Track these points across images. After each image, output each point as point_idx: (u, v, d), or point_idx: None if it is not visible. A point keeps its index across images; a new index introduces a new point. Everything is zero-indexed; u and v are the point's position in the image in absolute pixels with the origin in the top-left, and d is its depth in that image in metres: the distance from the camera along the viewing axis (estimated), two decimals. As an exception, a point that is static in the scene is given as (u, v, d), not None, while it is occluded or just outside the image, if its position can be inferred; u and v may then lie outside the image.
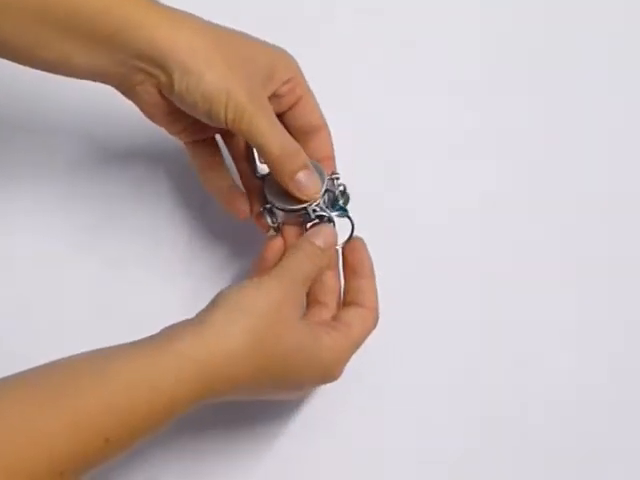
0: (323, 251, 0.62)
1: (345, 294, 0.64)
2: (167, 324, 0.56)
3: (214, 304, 0.57)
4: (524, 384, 0.69)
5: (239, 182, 0.69)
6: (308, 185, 0.63)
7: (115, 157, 0.74)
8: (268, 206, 0.65)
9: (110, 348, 0.54)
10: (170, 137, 0.66)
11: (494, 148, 0.76)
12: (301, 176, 0.62)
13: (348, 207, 0.67)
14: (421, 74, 0.78)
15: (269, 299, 0.57)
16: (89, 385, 0.51)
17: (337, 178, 0.67)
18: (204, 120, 0.61)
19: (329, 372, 0.61)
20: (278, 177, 0.63)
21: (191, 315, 0.57)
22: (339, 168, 0.68)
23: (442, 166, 0.76)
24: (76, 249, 0.71)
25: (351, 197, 0.67)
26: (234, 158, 0.68)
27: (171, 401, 0.52)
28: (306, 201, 0.63)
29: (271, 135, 0.61)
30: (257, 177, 0.67)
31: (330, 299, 0.64)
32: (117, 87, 0.62)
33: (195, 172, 0.68)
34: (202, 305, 0.57)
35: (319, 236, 0.62)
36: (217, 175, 0.67)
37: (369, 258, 0.64)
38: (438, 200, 0.75)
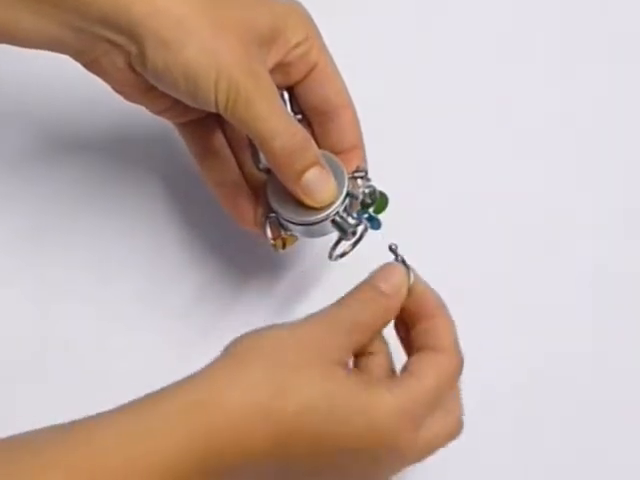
0: (388, 298, 0.51)
1: (409, 344, 0.53)
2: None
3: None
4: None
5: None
6: (319, 189, 0.54)
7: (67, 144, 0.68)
8: (272, 215, 0.56)
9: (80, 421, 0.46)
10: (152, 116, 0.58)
11: (555, 137, 0.69)
12: (310, 177, 0.53)
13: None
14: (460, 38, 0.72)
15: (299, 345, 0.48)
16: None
17: (364, 176, 0.56)
18: (188, 103, 0.54)
19: (396, 444, 0.49)
20: (282, 179, 0.54)
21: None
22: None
23: (488, 158, 0.69)
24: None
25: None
26: (231, 145, 0.59)
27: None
28: (319, 209, 0.54)
29: (271, 122, 0.52)
30: (260, 170, 0.57)
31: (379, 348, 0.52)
32: (76, 58, 0.55)
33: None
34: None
35: (385, 279, 0.51)
36: (217, 165, 0.59)
37: (430, 291, 0.53)
38: (482, 202, 0.68)
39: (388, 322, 0.51)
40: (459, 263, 0.65)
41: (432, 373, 0.49)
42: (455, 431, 0.51)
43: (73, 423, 0.46)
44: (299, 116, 0.57)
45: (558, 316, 0.65)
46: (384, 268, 0.51)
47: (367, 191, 0.56)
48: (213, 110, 0.53)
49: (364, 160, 0.58)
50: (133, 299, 0.64)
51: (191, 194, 0.66)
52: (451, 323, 0.52)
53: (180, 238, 0.66)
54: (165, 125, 0.60)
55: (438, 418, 0.50)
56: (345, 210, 0.54)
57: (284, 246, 0.56)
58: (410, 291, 0.51)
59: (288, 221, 0.55)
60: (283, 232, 0.56)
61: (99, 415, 0.46)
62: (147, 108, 0.57)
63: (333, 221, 0.54)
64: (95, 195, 0.66)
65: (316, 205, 0.54)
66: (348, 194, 0.55)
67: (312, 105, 0.57)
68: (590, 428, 0.63)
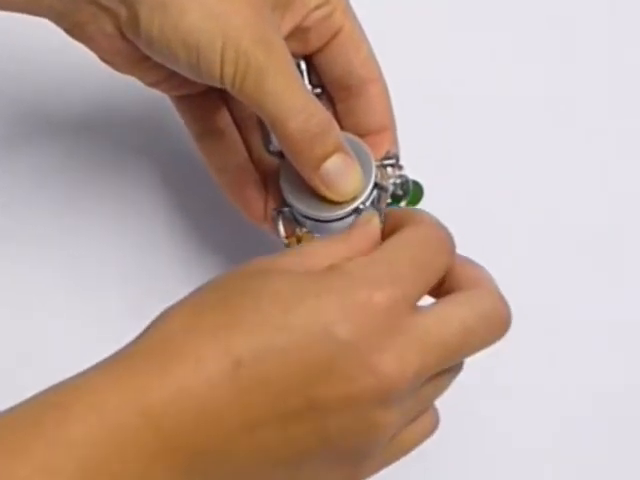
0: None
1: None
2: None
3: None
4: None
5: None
6: (342, 179, 0.50)
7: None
8: (286, 209, 0.52)
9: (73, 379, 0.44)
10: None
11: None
12: (331, 165, 0.50)
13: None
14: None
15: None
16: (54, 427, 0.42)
17: (395, 164, 0.53)
18: (189, 76, 0.51)
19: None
20: (298, 167, 0.51)
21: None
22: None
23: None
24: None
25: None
26: (237, 124, 0.57)
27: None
28: (341, 203, 0.51)
29: (286, 99, 0.49)
30: (271, 154, 0.54)
31: None
32: (57, 22, 0.53)
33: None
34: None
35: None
36: (221, 148, 0.56)
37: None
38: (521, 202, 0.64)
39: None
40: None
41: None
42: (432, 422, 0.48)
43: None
44: (318, 90, 0.54)
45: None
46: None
47: (398, 182, 0.53)
48: (218, 85, 0.50)
49: (395, 144, 0.54)
50: (121, 308, 0.61)
51: (190, 182, 0.64)
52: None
53: (177, 234, 0.64)
54: (160, 99, 0.58)
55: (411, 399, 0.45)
56: (372, 204, 0.51)
57: (299, 244, 0.53)
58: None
59: (305, 216, 0.51)
60: (298, 229, 0.52)
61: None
62: (139, 79, 0.55)
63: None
64: (78, 184, 0.64)
65: (338, 199, 0.50)
66: (376, 185, 0.51)
67: (334, 77, 0.54)
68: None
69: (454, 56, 0.68)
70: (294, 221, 0.52)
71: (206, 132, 0.56)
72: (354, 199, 0.50)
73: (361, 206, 0.50)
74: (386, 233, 0.48)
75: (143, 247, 0.63)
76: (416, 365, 0.43)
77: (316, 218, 0.51)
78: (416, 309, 0.44)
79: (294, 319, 0.42)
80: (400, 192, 0.52)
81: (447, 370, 0.45)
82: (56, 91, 0.66)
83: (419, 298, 0.44)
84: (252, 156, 0.56)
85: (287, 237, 0.52)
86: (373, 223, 0.47)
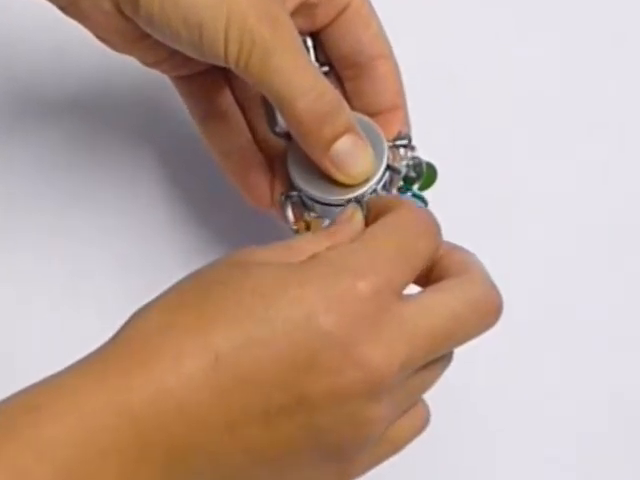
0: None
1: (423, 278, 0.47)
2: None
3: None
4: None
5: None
6: (353, 161, 0.49)
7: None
8: (294, 193, 0.51)
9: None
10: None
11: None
12: (342, 147, 0.49)
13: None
14: None
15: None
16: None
17: (407, 144, 0.52)
18: (191, 55, 0.50)
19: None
20: (306, 149, 0.49)
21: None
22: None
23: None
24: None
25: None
26: (241, 105, 0.55)
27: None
28: (354, 187, 0.49)
29: (294, 78, 0.48)
30: (277, 135, 0.53)
31: None
32: (51, 0, 0.51)
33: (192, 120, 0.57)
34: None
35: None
36: (224, 130, 0.55)
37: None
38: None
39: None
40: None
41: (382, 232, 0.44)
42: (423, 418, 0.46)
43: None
44: (325, 68, 0.53)
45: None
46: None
47: (411, 163, 0.51)
48: (222, 64, 0.49)
49: (407, 124, 0.53)
50: (119, 295, 0.61)
51: (191, 166, 0.63)
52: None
53: (178, 220, 0.63)
54: (159, 79, 0.57)
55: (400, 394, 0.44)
56: (384, 187, 0.50)
57: (308, 229, 0.52)
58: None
59: (314, 200, 0.50)
60: (306, 214, 0.51)
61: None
62: (138, 59, 0.53)
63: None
64: (74, 167, 0.63)
65: (349, 181, 0.49)
66: (388, 167, 0.50)
67: (342, 55, 0.53)
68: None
69: (459, 37, 0.67)
70: (302, 206, 0.51)
71: (208, 114, 0.55)
72: (366, 181, 0.49)
73: (374, 188, 0.49)
74: (369, 221, 0.47)
75: (142, 233, 0.62)
76: (404, 355, 0.41)
77: (326, 202, 0.49)
78: (402, 297, 0.42)
79: (276, 311, 0.41)
80: (413, 174, 0.51)
81: (437, 360, 0.44)
82: (51, 71, 0.65)
83: (405, 285, 0.43)
84: (256, 138, 0.55)
85: (295, 222, 0.51)
86: (357, 218, 0.47)
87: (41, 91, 0.65)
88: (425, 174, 0.52)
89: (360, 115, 0.51)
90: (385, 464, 0.47)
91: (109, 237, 0.62)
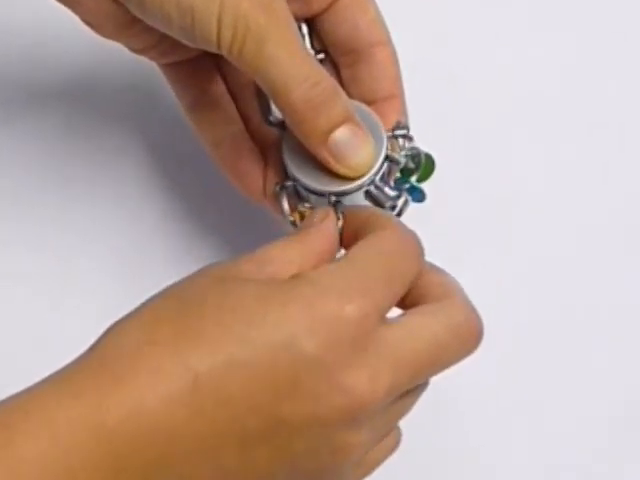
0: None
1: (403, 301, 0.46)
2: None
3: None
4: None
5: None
6: (353, 152, 0.48)
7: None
8: (289, 183, 0.49)
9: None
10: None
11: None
12: (340, 137, 0.47)
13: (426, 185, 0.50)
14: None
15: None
16: None
17: (405, 135, 0.50)
18: (183, 41, 0.49)
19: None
20: (303, 139, 0.48)
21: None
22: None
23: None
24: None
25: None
26: (233, 93, 0.54)
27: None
28: (351, 178, 0.48)
29: (289, 66, 0.47)
30: (271, 125, 0.52)
31: None
32: None
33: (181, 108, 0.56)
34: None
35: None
36: (215, 119, 0.54)
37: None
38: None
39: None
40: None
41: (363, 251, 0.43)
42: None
43: None
44: (321, 55, 0.52)
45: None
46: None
47: (410, 154, 0.50)
48: (214, 50, 0.48)
49: (404, 113, 0.52)
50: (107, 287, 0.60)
51: (181, 156, 0.62)
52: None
53: (167, 213, 0.62)
54: (147, 66, 0.56)
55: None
56: (382, 178, 0.48)
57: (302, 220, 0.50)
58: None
59: (309, 191, 0.48)
60: (301, 204, 0.50)
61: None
62: (125, 46, 0.52)
63: (367, 192, 0.48)
64: (57, 162, 0.62)
65: (349, 173, 0.48)
66: (387, 158, 0.48)
67: (338, 41, 0.52)
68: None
69: (459, 36, 0.66)
70: (297, 196, 0.49)
71: (198, 102, 0.54)
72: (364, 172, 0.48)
73: (372, 179, 0.47)
74: (347, 235, 0.46)
75: (133, 225, 0.61)
76: (388, 383, 0.41)
77: (322, 192, 0.48)
78: (385, 321, 0.41)
79: (257, 332, 0.39)
80: (412, 165, 0.49)
81: (415, 387, 0.43)
82: (40, 57, 0.63)
83: (389, 309, 0.42)
84: (249, 127, 0.54)
85: (291, 213, 0.50)
86: (329, 221, 0.46)
87: (27, 78, 0.63)
88: (423, 165, 0.50)
89: (358, 103, 0.50)
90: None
91: (104, 230, 0.61)
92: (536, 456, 0.58)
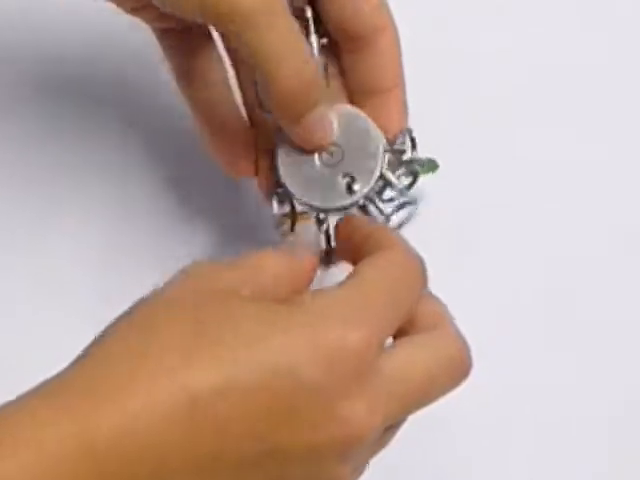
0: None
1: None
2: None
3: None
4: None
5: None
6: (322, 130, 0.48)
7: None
8: (280, 190, 0.49)
9: None
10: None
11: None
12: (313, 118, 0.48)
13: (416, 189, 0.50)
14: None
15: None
16: None
17: (404, 151, 0.49)
18: (173, 12, 0.47)
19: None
20: (281, 121, 0.48)
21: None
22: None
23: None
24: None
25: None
26: (235, 66, 0.52)
27: None
28: (342, 194, 0.48)
29: (276, 43, 0.46)
30: (265, 112, 0.50)
31: None
32: None
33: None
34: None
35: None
36: (206, 89, 0.52)
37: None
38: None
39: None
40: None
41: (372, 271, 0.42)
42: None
43: None
44: (324, 40, 0.50)
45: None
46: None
47: (406, 183, 0.49)
48: (207, 22, 0.47)
49: (405, 104, 0.50)
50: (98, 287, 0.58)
51: (175, 152, 0.60)
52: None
53: (161, 205, 0.60)
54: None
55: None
56: (371, 199, 0.48)
57: (293, 226, 0.50)
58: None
59: (304, 204, 0.49)
60: (292, 209, 0.50)
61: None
62: (119, 5, 0.50)
63: (362, 207, 0.48)
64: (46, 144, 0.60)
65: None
66: (381, 176, 0.48)
67: (342, 26, 0.50)
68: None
69: (459, 36, 0.63)
70: (289, 204, 0.49)
71: (189, 71, 0.52)
72: (356, 191, 0.47)
73: (364, 198, 0.47)
74: (356, 246, 0.45)
75: (124, 223, 0.59)
76: (382, 415, 0.40)
77: (316, 207, 0.48)
78: (384, 351, 0.41)
79: (258, 355, 0.38)
80: (406, 182, 0.49)
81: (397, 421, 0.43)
82: (17, 28, 0.60)
83: (388, 337, 0.41)
84: (246, 104, 0.52)
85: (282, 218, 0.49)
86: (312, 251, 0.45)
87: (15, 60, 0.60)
88: (426, 169, 0.50)
89: (360, 113, 0.49)
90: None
91: (92, 229, 0.59)
92: (536, 456, 0.58)
